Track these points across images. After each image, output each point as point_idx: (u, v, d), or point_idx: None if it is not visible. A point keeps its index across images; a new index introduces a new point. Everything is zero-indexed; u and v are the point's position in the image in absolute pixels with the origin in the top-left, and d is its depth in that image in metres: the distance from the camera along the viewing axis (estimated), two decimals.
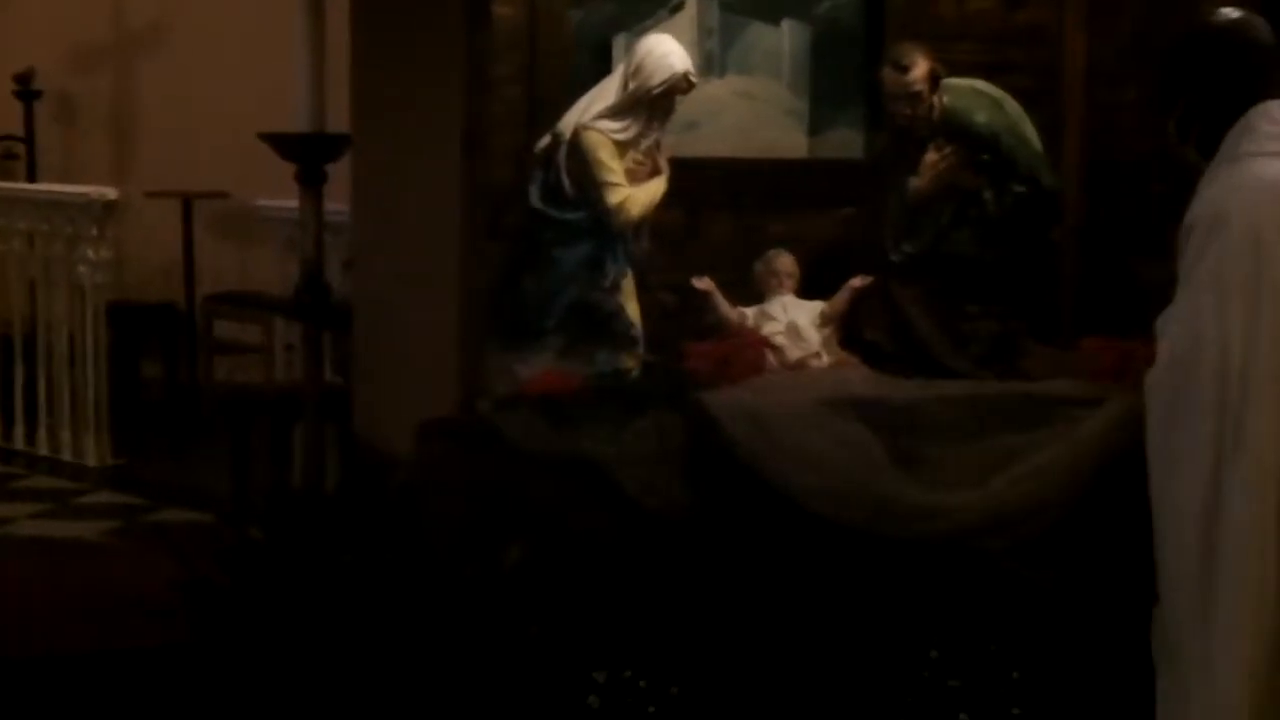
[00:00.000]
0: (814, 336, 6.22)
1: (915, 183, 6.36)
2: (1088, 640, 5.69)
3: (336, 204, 7.09)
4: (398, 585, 5.35)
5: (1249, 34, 4.44)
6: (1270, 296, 4.26)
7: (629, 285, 6.18)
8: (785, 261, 6.37)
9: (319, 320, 7.24)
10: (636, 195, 6.07)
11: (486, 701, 5.26)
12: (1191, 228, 4.36)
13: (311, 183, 7.19)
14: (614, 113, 6.07)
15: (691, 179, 6.25)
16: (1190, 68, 4.44)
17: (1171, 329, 4.42)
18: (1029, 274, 6.49)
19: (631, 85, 6.07)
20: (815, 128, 6.76)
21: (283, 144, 7.15)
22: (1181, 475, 4.40)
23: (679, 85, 6.07)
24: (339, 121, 6.83)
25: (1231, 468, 4.32)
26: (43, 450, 9.43)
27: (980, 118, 6.35)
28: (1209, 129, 4.37)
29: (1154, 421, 4.51)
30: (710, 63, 6.50)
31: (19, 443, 9.53)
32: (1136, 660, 5.58)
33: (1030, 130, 6.42)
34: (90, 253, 9.27)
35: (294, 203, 7.51)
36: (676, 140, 6.25)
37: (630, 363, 6.10)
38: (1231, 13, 4.50)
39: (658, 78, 6.03)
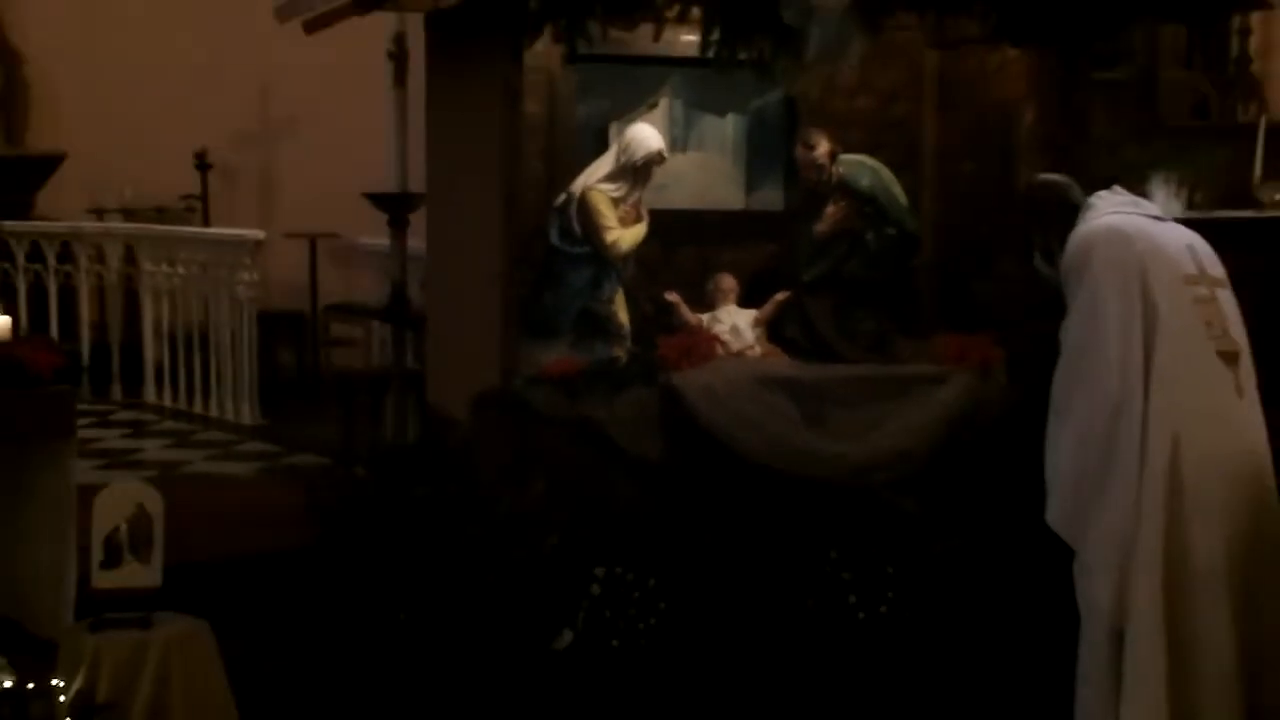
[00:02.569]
0: (750, 334, 6.17)
1: (819, 227, 6.34)
2: (942, 544, 5.64)
3: (416, 241, 7.03)
4: (457, 509, 5.29)
5: (1057, 183, 4.74)
6: (1120, 301, 4.29)
7: (620, 298, 6.16)
8: (728, 281, 6.34)
9: (403, 323, 7.20)
10: (625, 235, 6.05)
11: (520, 590, 5.21)
12: (1068, 270, 4.44)
13: (398, 226, 7.16)
14: (609, 178, 6.04)
15: (663, 224, 6.21)
16: (1031, 213, 4.73)
17: (1068, 335, 4.41)
18: (898, 290, 6.45)
19: (622, 159, 6.04)
20: (750, 188, 6.73)
21: (378, 200, 7.12)
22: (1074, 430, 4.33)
23: (655, 159, 6.05)
24: (417, 183, 6.78)
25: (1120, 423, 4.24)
26: (212, 412, 9.36)
27: (864, 181, 6.32)
28: (1056, 236, 4.55)
29: (1058, 393, 4.44)
30: (676, 143, 6.45)
31: (197, 407, 9.46)
32: (974, 563, 5.58)
33: (899, 190, 6.39)
34: (245, 276, 9.20)
35: (386, 241, 7.47)
36: (653, 197, 6.20)
37: (620, 352, 6.07)
38: (1051, 175, 4.87)
39: (640, 154, 6.01)
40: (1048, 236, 4.60)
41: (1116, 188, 4.62)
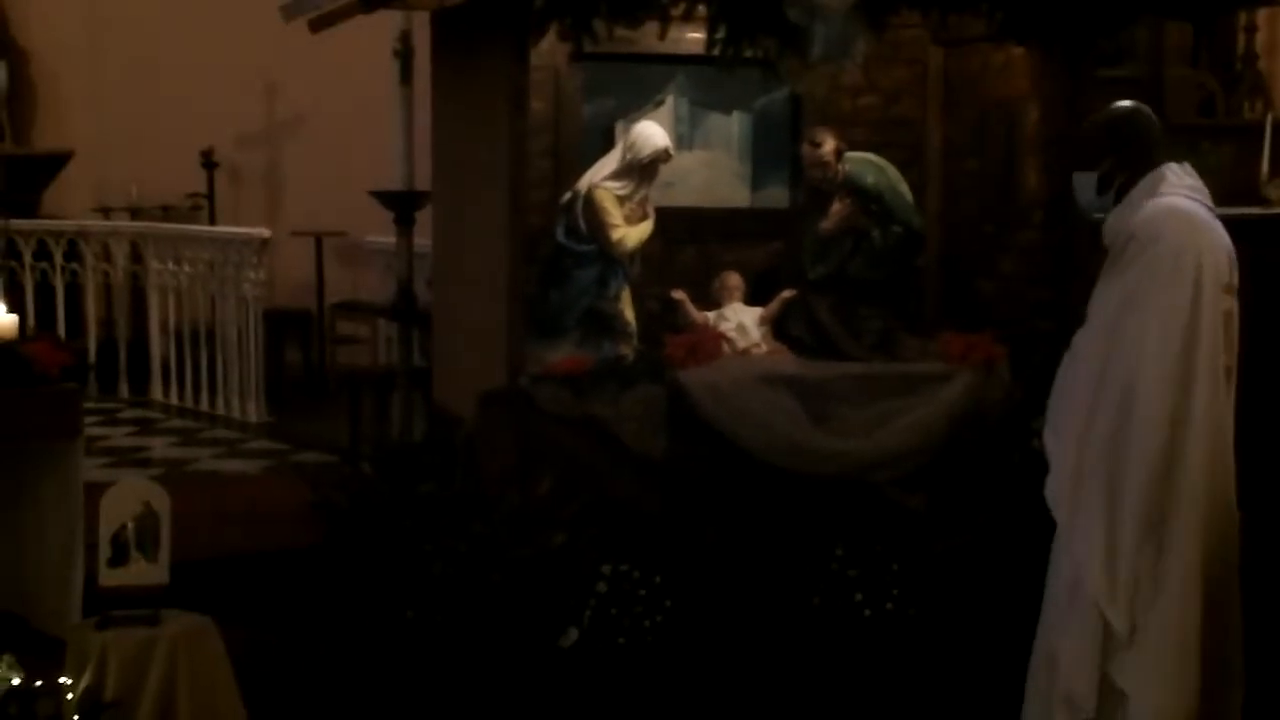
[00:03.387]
0: (755, 332, 6.17)
1: (825, 225, 6.34)
2: (947, 542, 5.65)
3: (422, 239, 7.03)
4: (463, 507, 5.29)
5: (1149, 116, 4.38)
6: (1184, 307, 4.11)
7: (626, 296, 6.16)
8: (734, 279, 6.34)
9: (409, 321, 7.19)
10: (631, 233, 6.05)
11: (526, 588, 5.21)
12: (1131, 236, 4.18)
13: (405, 224, 7.15)
14: (615, 176, 6.05)
15: (669, 222, 6.21)
16: (1118, 138, 4.31)
17: (1106, 305, 4.22)
18: (903, 288, 6.45)
19: (628, 157, 6.04)
20: (755, 186, 6.72)
21: (384, 198, 7.11)
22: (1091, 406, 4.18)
23: (661, 157, 6.05)
24: (423, 181, 6.78)
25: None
26: (219, 410, 9.37)
27: (870, 179, 6.32)
28: (1127, 181, 4.25)
29: (1070, 368, 4.30)
30: (682, 141, 6.45)
31: (204, 405, 9.47)
32: (979, 560, 5.58)
33: (905, 189, 6.39)
34: (251, 274, 9.20)
35: (392, 239, 7.46)
36: (659, 195, 6.21)
37: (626, 350, 6.06)
38: (1132, 103, 4.44)
39: (646, 151, 6.01)
40: (1115, 167, 4.28)
41: (1187, 165, 4.36)
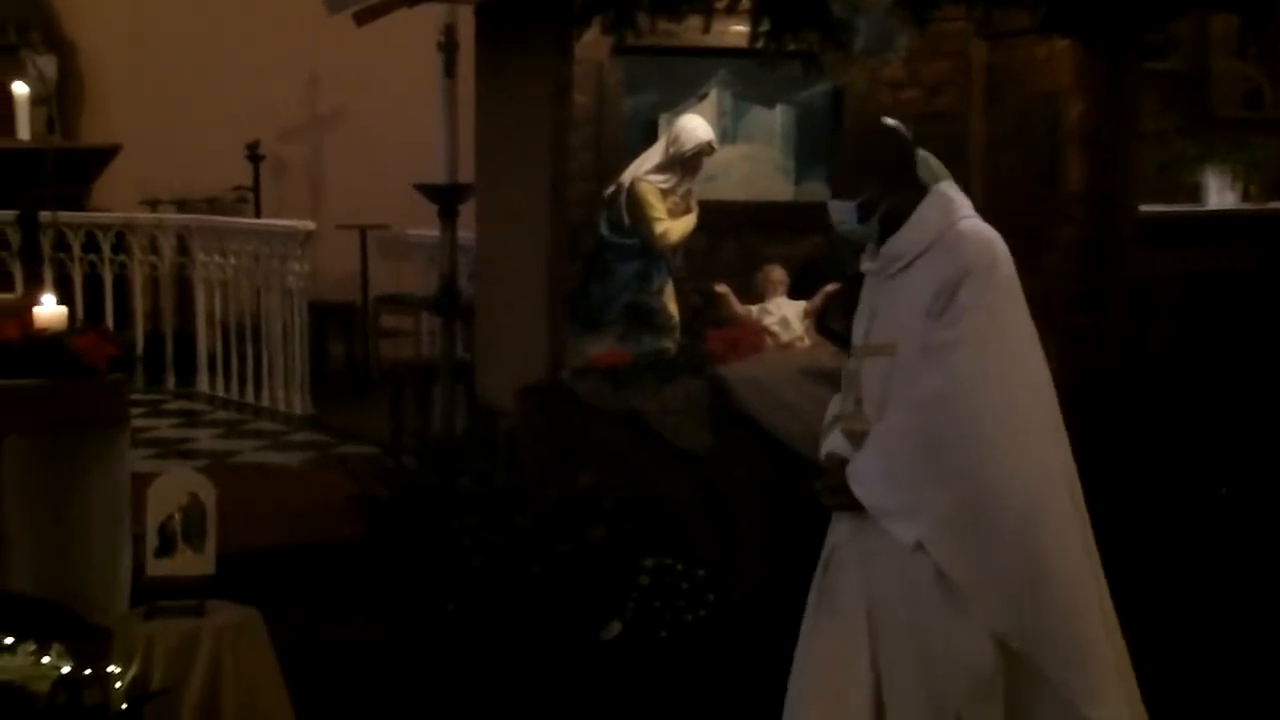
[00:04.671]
0: (799, 326, 6.17)
1: None
2: None
3: (465, 232, 7.05)
4: (505, 500, 5.31)
5: (904, 133, 4.01)
6: (1032, 328, 3.84)
7: (669, 289, 6.16)
8: (778, 273, 6.33)
9: (452, 314, 7.20)
10: (674, 227, 6.05)
11: (568, 581, 5.22)
12: (968, 271, 3.73)
13: (448, 217, 7.14)
14: (659, 169, 6.05)
15: (712, 215, 6.21)
16: (880, 163, 3.92)
17: (940, 370, 3.69)
18: None
19: (671, 150, 6.05)
20: (798, 179, 6.72)
21: (428, 191, 7.11)
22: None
23: (704, 150, 6.05)
24: (467, 174, 6.79)
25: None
26: (263, 402, 9.42)
27: None
28: (898, 203, 3.85)
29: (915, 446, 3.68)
30: (725, 134, 6.45)
31: (248, 397, 9.53)
32: None
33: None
34: (296, 266, 9.25)
35: (435, 232, 7.47)
36: (702, 188, 6.21)
37: (668, 344, 6.07)
38: (890, 120, 4.11)
39: (690, 145, 6.01)
40: (881, 193, 3.86)
41: (952, 183, 4.08)
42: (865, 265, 3.98)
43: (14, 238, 8.81)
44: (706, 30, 5.61)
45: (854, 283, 6.25)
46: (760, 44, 5.54)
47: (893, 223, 3.88)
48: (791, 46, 5.55)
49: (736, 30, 5.92)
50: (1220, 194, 7.77)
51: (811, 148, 6.69)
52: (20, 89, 7.94)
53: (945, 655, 3.65)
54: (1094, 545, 3.84)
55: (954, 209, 3.90)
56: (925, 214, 3.87)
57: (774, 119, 6.65)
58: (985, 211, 6.51)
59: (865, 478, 3.74)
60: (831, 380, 5.83)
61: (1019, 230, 6.53)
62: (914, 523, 3.63)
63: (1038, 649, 3.63)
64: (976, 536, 3.60)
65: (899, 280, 3.87)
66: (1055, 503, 3.69)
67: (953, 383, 3.66)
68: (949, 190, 3.97)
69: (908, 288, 3.83)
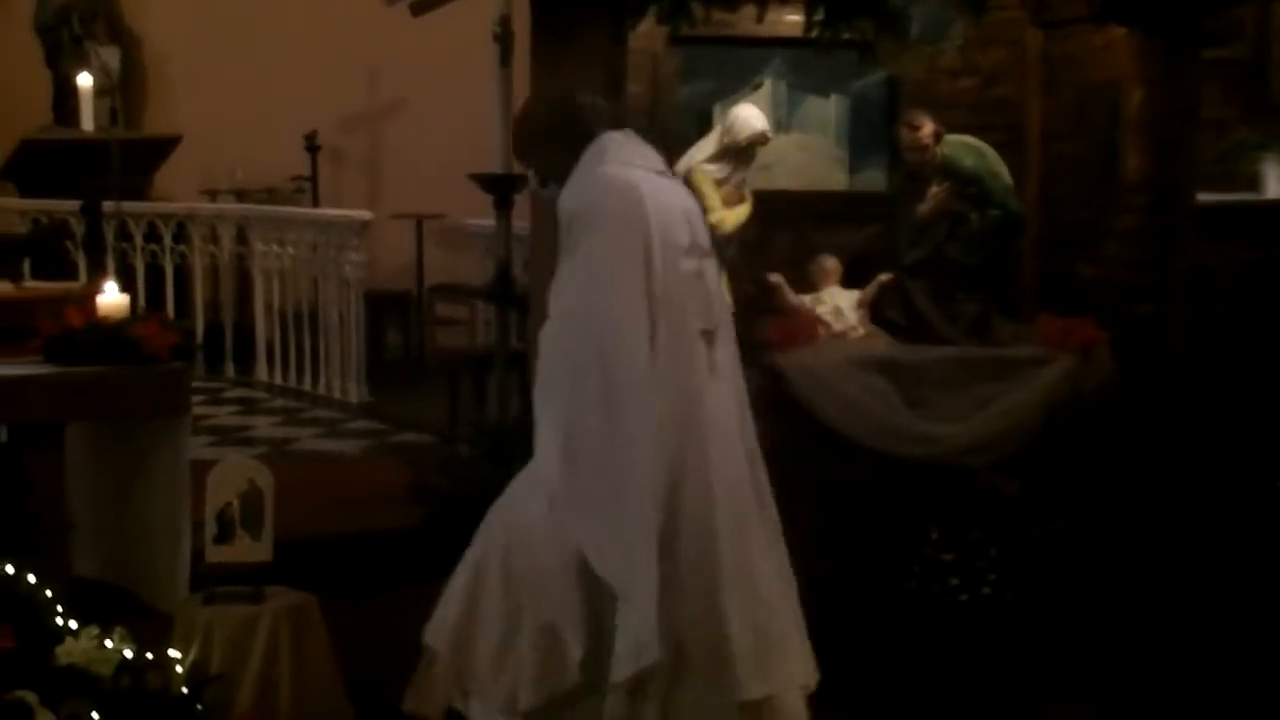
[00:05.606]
0: (852, 316, 6.15)
1: (921, 209, 6.28)
2: (1044, 527, 5.60)
3: (520, 222, 7.07)
4: None
5: (582, 101, 4.30)
6: (633, 267, 4.03)
7: (723, 279, 6.13)
8: (831, 263, 6.31)
9: (507, 303, 7.23)
10: (729, 216, 6.04)
11: None
12: (574, 218, 4.10)
13: (503, 208, 7.18)
14: (713, 159, 6.04)
15: (766, 205, 6.19)
16: (547, 133, 4.26)
17: (562, 298, 4.12)
18: (1001, 272, 6.39)
19: (725, 140, 6.03)
20: (853, 169, 6.68)
21: (483, 181, 7.14)
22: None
23: (759, 140, 6.03)
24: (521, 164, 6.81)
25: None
26: (320, 391, 9.48)
27: (969, 162, 6.26)
28: (564, 170, 4.17)
29: (549, 359, 4.16)
30: (779, 124, 6.42)
31: (306, 385, 9.59)
32: (1077, 546, 5.53)
33: (1003, 171, 6.32)
34: (353, 256, 9.30)
35: (491, 222, 7.51)
36: (756, 178, 6.18)
37: None
38: (559, 95, 4.42)
39: (744, 135, 5.99)
40: (554, 161, 4.21)
41: (630, 133, 4.30)
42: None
43: (78, 228, 8.90)
44: (761, 19, 5.59)
45: (909, 273, 6.26)
46: (815, 33, 5.51)
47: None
48: (846, 36, 5.52)
49: (791, 19, 5.89)
50: None
51: (866, 137, 6.66)
52: (84, 81, 8.00)
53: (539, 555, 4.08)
54: (748, 508, 4.22)
55: (602, 156, 4.18)
56: (581, 166, 4.18)
57: (828, 109, 6.62)
58: (1042, 200, 6.50)
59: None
60: (886, 370, 5.84)
61: (1077, 219, 6.51)
62: (540, 423, 4.15)
63: (603, 571, 3.97)
64: (567, 451, 4.04)
65: None
66: (636, 435, 3.97)
67: (556, 320, 4.11)
68: (605, 139, 4.21)
69: None
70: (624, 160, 4.16)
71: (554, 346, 4.15)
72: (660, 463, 4.01)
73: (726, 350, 4.26)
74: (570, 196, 4.15)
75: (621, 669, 3.96)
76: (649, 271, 4.02)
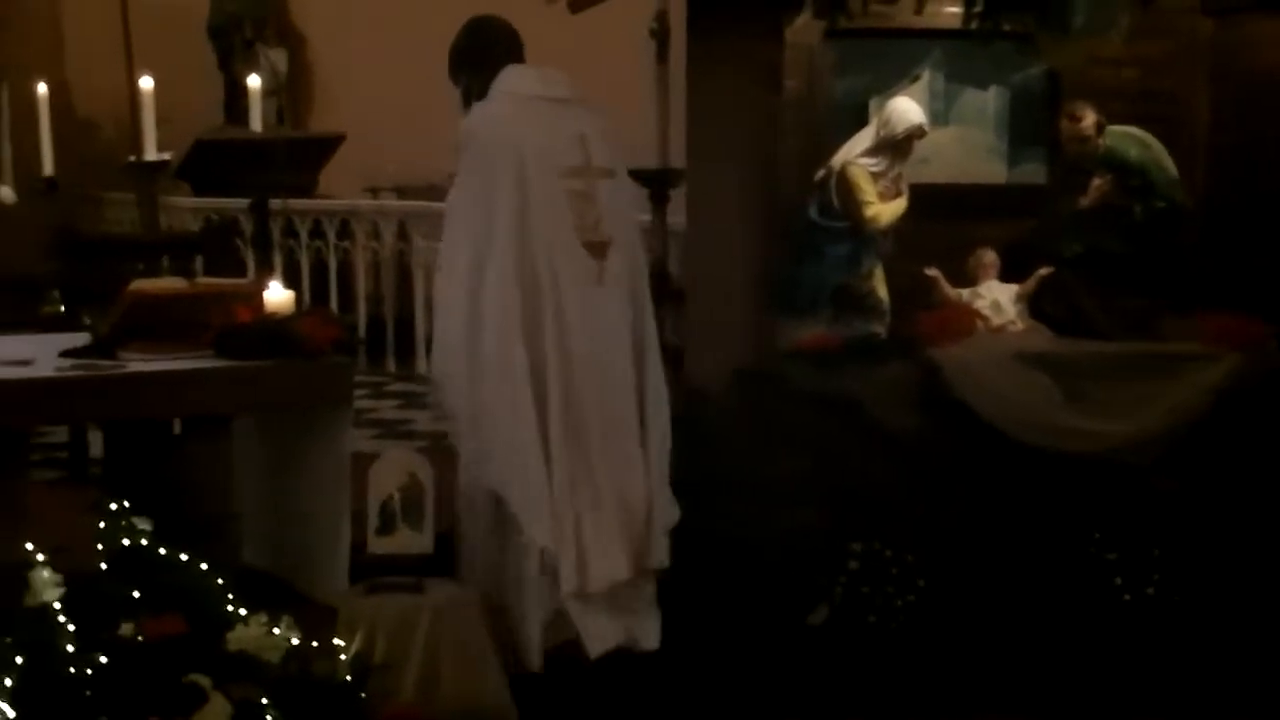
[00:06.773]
0: (1011, 310, 6.06)
1: (1083, 201, 6.17)
2: (1207, 528, 5.46)
3: (676, 217, 7.05)
4: (713, 483, 5.30)
5: (494, 24, 4.92)
6: (510, 195, 4.51)
7: (879, 273, 6.11)
8: (990, 256, 6.22)
9: (663, 298, 7.22)
10: (885, 210, 6.00)
11: (776, 565, 5.21)
12: (459, 143, 4.64)
13: (660, 202, 7.16)
14: (869, 153, 6.00)
15: (923, 198, 6.12)
16: (465, 54, 4.84)
17: (450, 205, 4.70)
18: (1165, 266, 6.23)
19: (882, 133, 5.99)
20: (1012, 162, 6.58)
21: (641, 177, 7.13)
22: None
23: (916, 133, 5.97)
24: (678, 159, 6.80)
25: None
26: None
27: (1133, 154, 6.14)
28: (480, 93, 4.68)
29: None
30: (937, 117, 6.34)
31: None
32: (1244, 546, 5.37)
33: (1169, 163, 6.18)
34: None
35: (647, 217, 7.49)
36: (913, 171, 6.12)
37: (878, 328, 6.02)
38: (481, 16, 4.96)
39: (901, 128, 5.94)
40: (470, 84, 4.76)
41: (528, 65, 4.73)
42: None
43: (247, 226, 9.08)
44: (919, 11, 5.53)
45: (1069, 266, 6.13)
46: (974, 25, 5.44)
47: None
48: (1006, 27, 5.43)
49: (950, 11, 5.83)
50: None
51: (1026, 129, 6.55)
52: (253, 82, 8.15)
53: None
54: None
55: (495, 85, 4.68)
56: (486, 97, 4.66)
57: (987, 101, 6.52)
58: (1209, 192, 6.30)
59: None
60: (1045, 365, 5.74)
61: (1244, 212, 6.32)
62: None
63: (478, 469, 4.55)
64: (437, 352, 4.73)
65: None
66: (491, 341, 4.50)
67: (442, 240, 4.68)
68: (505, 71, 4.72)
69: None
70: (512, 90, 4.65)
71: (452, 272, 4.69)
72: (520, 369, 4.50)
73: (621, 260, 4.69)
74: (464, 127, 4.66)
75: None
76: (522, 193, 4.49)
